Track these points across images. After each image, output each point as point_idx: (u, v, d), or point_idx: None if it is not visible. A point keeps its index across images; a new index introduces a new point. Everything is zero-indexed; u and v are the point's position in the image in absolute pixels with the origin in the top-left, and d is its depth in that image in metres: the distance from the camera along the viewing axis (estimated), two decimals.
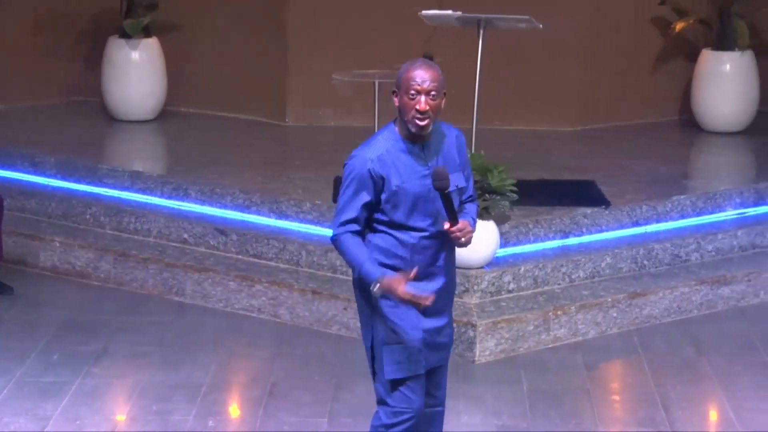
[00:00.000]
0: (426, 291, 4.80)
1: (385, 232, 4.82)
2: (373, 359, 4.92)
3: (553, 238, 7.74)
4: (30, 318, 7.45)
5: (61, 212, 8.52)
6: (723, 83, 9.86)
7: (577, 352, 7.07)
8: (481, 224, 7.18)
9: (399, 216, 4.79)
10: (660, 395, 6.52)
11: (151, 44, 10.05)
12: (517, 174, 7.49)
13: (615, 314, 7.37)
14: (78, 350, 6.98)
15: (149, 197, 8.43)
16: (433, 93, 4.72)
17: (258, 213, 8.08)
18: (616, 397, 6.61)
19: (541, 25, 7.66)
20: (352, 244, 4.78)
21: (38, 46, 10.41)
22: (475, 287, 7.22)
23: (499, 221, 7.42)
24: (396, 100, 4.78)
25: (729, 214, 8.31)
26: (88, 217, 8.45)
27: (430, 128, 4.77)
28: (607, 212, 7.91)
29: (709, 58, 9.94)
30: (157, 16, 10.05)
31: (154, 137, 9.96)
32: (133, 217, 8.29)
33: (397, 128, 4.82)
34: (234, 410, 6.42)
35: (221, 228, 8.00)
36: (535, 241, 7.67)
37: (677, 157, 9.38)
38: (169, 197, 8.38)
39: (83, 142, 9.43)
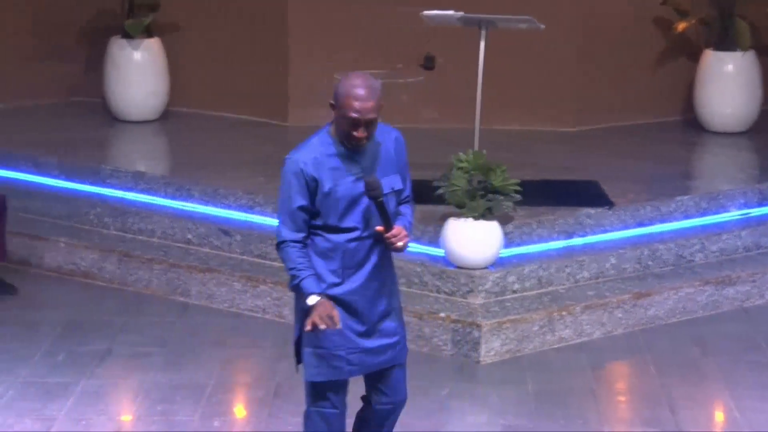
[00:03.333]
0: (356, 294, 4.85)
1: (317, 234, 4.85)
2: (297, 354, 4.98)
3: (557, 239, 7.74)
4: (34, 318, 7.45)
5: (65, 213, 8.51)
6: (725, 83, 9.86)
7: (581, 353, 7.07)
8: (484, 224, 7.21)
9: (332, 219, 4.82)
10: (665, 395, 6.52)
11: (153, 44, 10.04)
12: (518, 174, 7.48)
13: (620, 315, 7.37)
14: (82, 351, 6.98)
15: (153, 198, 8.42)
16: (371, 120, 4.74)
17: (261, 213, 8.07)
18: (622, 398, 6.62)
19: (542, 26, 7.66)
20: (296, 254, 4.83)
21: (40, 46, 10.39)
22: (480, 288, 7.22)
23: (503, 221, 7.42)
24: (334, 111, 4.79)
25: (733, 214, 8.31)
26: (92, 217, 8.44)
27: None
28: (610, 213, 7.91)
29: (710, 58, 9.93)
30: (158, 17, 10.04)
31: (157, 137, 9.95)
32: (137, 218, 8.28)
33: (332, 131, 4.85)
34: (239, 410, 6.42)
35: (225, 228, 8.00)
36: (539, 241, 7.67)
37: (680, 158, 9.36)
38: (173, 198, 8.37)
39: (86, 143, 9.42)
